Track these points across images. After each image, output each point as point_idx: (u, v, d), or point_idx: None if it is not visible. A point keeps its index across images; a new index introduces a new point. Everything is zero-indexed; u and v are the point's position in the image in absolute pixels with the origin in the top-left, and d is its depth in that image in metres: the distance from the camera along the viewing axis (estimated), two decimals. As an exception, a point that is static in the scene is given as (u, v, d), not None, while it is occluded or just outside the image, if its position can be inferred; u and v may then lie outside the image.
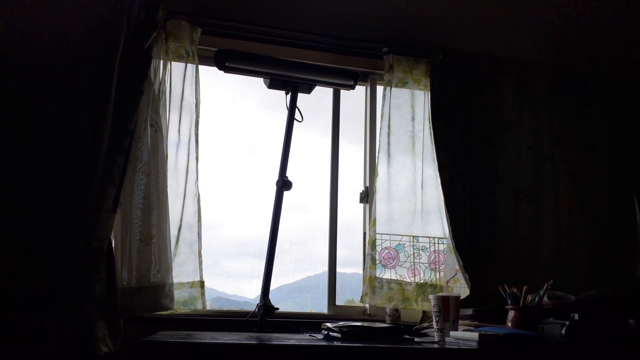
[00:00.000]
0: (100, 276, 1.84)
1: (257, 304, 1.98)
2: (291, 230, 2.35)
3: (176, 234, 2.06)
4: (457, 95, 2.41)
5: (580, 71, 2.61)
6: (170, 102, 2.14)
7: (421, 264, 2.34)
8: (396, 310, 2.21)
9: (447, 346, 1.57)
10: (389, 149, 2.35)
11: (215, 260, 2.29)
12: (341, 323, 1.72)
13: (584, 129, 2.56)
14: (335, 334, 1.65)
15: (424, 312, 2.25)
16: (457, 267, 2.28)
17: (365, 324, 1.73)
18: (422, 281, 2.31)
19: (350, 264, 2.41)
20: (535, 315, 1.78)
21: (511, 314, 1.84)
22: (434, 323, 1.75)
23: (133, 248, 1.96)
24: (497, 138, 2.43)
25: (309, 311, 2.39)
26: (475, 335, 1.58)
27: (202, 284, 2.07)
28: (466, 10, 2.62)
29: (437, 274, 2.34)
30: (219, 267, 2.29)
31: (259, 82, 2.25)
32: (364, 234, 2.39)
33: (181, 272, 2.04)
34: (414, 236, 2.34)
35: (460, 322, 1.79)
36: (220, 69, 2.14)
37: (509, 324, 1.83)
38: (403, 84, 2.43)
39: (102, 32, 2.05)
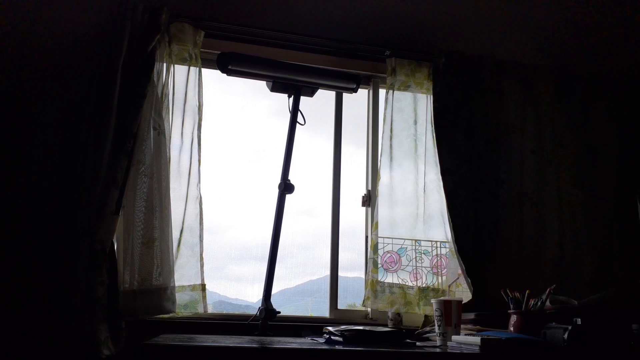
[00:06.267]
0: (102, 279, 1.84)
1: (259, 308, 1.98)
2: (294, 234, 2.36)
3: (178, 236, 2.06)
4: (460, 99, 2.40)
5: (583, 75, 2.61)
6: (173, 104, 2.14)
7: (423, 268, 2.34)
8: (398, 314, 2.21)
9: (449, 350, 1.56)
10: (391, 153, 2.35)
11: (219, 264, 2.29)
12: (343, 327, 1.72)
13: (588, 133, 2.55)
14: (337, 338, 1.65)
15: (426, 316, 2.24)
16: (460, 271, 2.27)
17: (367, 328, 1.73)
18: (424, 285, 2.31)
19: (353, 268, 2.41)
20: (537, 319, 1.77)
21: (513, 318, 1.83)
22: (436, 327, 1.75)
23: (135, 251, 1.96)
24: (501, 141, 2.43)
25: (310, 315, 2.39)
26: (477, 339, 1.57)
27: (203, 287, 2.07)
28: (469, 13, 2.62)
29: (440, 278, 2.34)
30: (221, 271, 2.29)
31: (265, 88, 2.26)
32: (366, 237, 2.39)
33: (182, 275, 2.04)
34: (416, 240, 2.34)
35: (462, 326, 1.78)
36: (223, 71, 2.15)
37: (512, 329, 1.82)
38: (405, 87, 2.43)
39: (105, 34, 2.06)
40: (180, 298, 2.02)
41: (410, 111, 2.43)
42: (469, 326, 1.88)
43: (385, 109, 2.39)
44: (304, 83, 2.21)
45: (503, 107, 2.48)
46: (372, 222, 2.31)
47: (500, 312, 1.91)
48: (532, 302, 1.85)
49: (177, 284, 2.01)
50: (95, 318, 1.79)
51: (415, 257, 2.33)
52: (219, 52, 2.17)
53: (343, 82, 2.29)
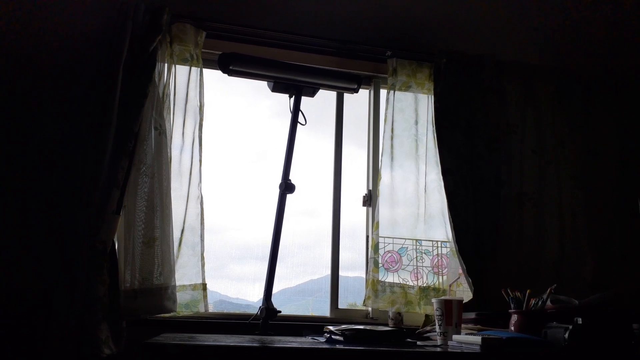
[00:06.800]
0: (103, 278, 1.84)
1: (260, 307, 1.98)
2: (295, 233, 2.36)
3: (179, 236, 2.06)
4: (461, 99, 2.41)
5: (584, 75, 2.61)
6: (174, 105, 2.15)
7: (424, 268, 2.34)
8: (399, 313, 2.21)
9: (449, 350, 1.56)
10: (392, 153, 2.35)
11: (220, 263, 2.29)
12: (343, 326, 1.72)
13: (588, 133, 2.55)
14: (337, 337, 1.65)
15: (426, 316, 2.24)
16: (460, 271, 2.27)
17: (368, 327, 1.73)
18: (424, 285, 2.31)
19: (354, 268, 2.41)
20: (538, 319, 1.77)
21: (514, 317, 1.83)
22: (437, 327, 1.75)
23: (136, 250, 1.96)
24: (501, 142, 2.43)
25: (311, 314, 2.39)
26: (478, 339, 1.57)
27: (204, 286, 2.07)
28: (470, 14, 2.63)
29: (440, 277, 2.34)
30: (223, 271, 2.30)
31: (267, 89, 2.26)
32: (367, 237, 2.39)
33: (183, 275, 2.05)
34: (417, 240, 2.34)
35: (463, 325, 1.78)
36: (224, 72, 2.15)
37: (512, 328, 1.82)
38: (407, 87, 2.43)
39: (107, 34, 2.06)
40: (181, 297, 2.02)
41: (411, 111, 2.43)
42: (470, 326, 1.88)
43: (386, 109, 2.39)
44: (305, 83, 2.22)
45: (503, 107, 2.48)
46: (373, 222, 2.31)
47: (501, 311, 1.91)
48: (533, 302, 1.85)
49: (178, 283, 2.01)
50: (96, 318, 1.79)
51: (416, 257, 2.33)
52: (220, 53, 2.17)
53: (344, 82, 2.29)
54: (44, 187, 2.01)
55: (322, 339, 1.69)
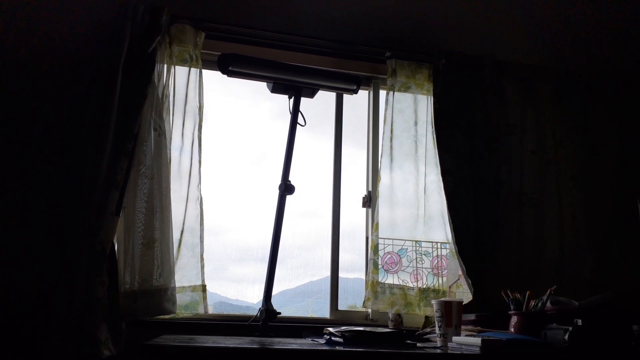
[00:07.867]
0: (103, 279, 1.84)
1: (259, 309, 1.98)
2: (294, 235, 2.36)
3: (178, 237, 2.06)
4: (461, 100, 2.40)
5: (584, 75, 2.61)
6: (173, 106, 2.14)
7: (424, 269, 2.34)
8: (398, 315, 2.21)
9: (449, 351, 1.56)
10: (391, 154, 2.35)
11: (219, 264, 2.29)
12: (343, 328, 1.72)
13: (588, 133, 2.55)
14: (337, 339, 1.65)
15: (426, 317, 2.24)
16: (460, 272, 2.27)
17: (368, 328, 1.73)
18: (424, 286, 2.31)
19: (353, 269, 2.41)
20: (538, 320, 1.78)
21: (514, 319, 1.83)
22: (437, 328, 1.75)
23: (136, 251, 1.96)
24: (501, 142, 2.43)
25: (310, 316, 2.39)
26: (477, 340, 1.57)
27: (203, 287, 2.07)
28: (469, 14, 2.62)
29: (440, 278, 2.34)
30: (222, 272, 2.29)
31: (267, 90, 2.25)
32: (367, 238, 2.39)
33: (183, 276, 2.04)
34: (416, 241, 2.34)
35: (462, 327, 1.78)
36: (223, 72, 2.15)
37: (512, 330, 1.82)
38: (406, 88, 2.43)
39: (106, 35, 2.07)
40: (181, 299, 2.02)
41: (411, 112, 2.43)
42: (470, 327, 1.88)
43: (386, 110, 2.39)
44: (304, 84, 2.21)
45: (503, 108, 2.48)
46: (373, 223, 2.31)
47: (501, 313, 1.91)
48: (533, 303, 1.85)
49: (177, 284, 2.01)
50: (96, 318, 1.80)
51: (416, 258, 2.33)
52: (219, 54, 2.17)
53: (343, 83, 2.29)
54: (43, 187, 2.01)
55: (322, 341, 1.69)
